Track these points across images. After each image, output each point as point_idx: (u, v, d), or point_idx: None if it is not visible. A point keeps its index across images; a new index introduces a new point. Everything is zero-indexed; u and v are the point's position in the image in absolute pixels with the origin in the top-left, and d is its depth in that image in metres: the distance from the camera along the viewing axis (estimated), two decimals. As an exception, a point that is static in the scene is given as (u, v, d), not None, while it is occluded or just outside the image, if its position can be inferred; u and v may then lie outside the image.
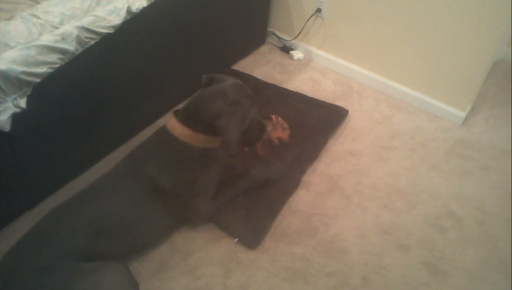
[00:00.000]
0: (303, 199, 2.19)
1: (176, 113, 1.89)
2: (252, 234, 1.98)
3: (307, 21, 2.99)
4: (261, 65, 3.03)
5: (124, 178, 1.82)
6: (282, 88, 2.79)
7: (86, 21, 1.84)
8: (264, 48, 3.20)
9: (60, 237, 1.61)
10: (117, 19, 1.93)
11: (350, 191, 2.25)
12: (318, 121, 2.55)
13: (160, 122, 2.49)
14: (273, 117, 2.36)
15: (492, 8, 2.32)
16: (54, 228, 1.64)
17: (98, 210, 1.70)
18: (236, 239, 1.97)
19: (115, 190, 1.79)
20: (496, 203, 2.28)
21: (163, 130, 1.88)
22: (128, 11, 1.98)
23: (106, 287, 1.52)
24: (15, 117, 1.68)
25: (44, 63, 1.71)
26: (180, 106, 2.56)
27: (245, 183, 2.09)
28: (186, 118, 1.84)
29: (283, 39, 3.17)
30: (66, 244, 1.59)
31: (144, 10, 2.03)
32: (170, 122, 1.86)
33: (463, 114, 2.70)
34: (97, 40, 1.88)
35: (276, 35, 3.19)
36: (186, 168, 1.85)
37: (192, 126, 1.82)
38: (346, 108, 2.70)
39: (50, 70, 1.74)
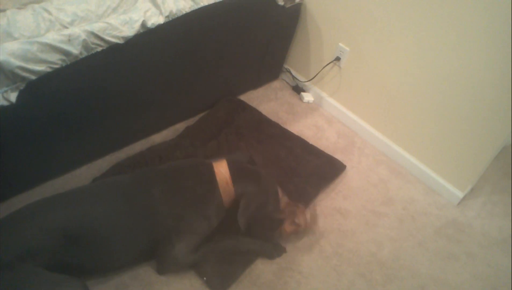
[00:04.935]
0: (280, 250, 2.10)
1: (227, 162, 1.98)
2: (221, 277, 1.90)
3: (325, 66, 2.94)
4: (269, 100, 2.97)
5: (119, 189, 1.76)
6: (284, 129, 2.73)
7: (96, 27, 1.79)
8: (276, 84, 3.15)
9: (26, 236, 1.54)
10: (129, 31, 1.88)
11: (330, 252, 2.17)
12: (313, 171, 2.48)
13: (154, 138, 2.43)
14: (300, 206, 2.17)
15: (510, 92, 2.25)
16: (23, 224, 1.57)
17: (74, 215, 1.63)
18: (205, 278, 1.89)
19: (101, 199, 1.71)
20: (475, 295, 2.20)
21: (205, 164, 1.94)
22: (143, 25, 1.93)
23: None
24: (1, 109, 1.63)
25: (44, 62, 1.67)
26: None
27: (234, 245, 1.96)
28: (232, 169, 1.95)
29: (297, 79, 3.12)
30: (31, 245, 1.52)
31: (159, 27, 1.98)
32: (221, 164, 1.95)
33: (461, 194, 2.63)
34: (104, 48, 1.83)
35: (290, 73, 3.15)
36: (192, 204, 1.84)
37: (232, 178, 1.92)
38: (344, 163, 2.63)
39: (48, 70, 1.69)
